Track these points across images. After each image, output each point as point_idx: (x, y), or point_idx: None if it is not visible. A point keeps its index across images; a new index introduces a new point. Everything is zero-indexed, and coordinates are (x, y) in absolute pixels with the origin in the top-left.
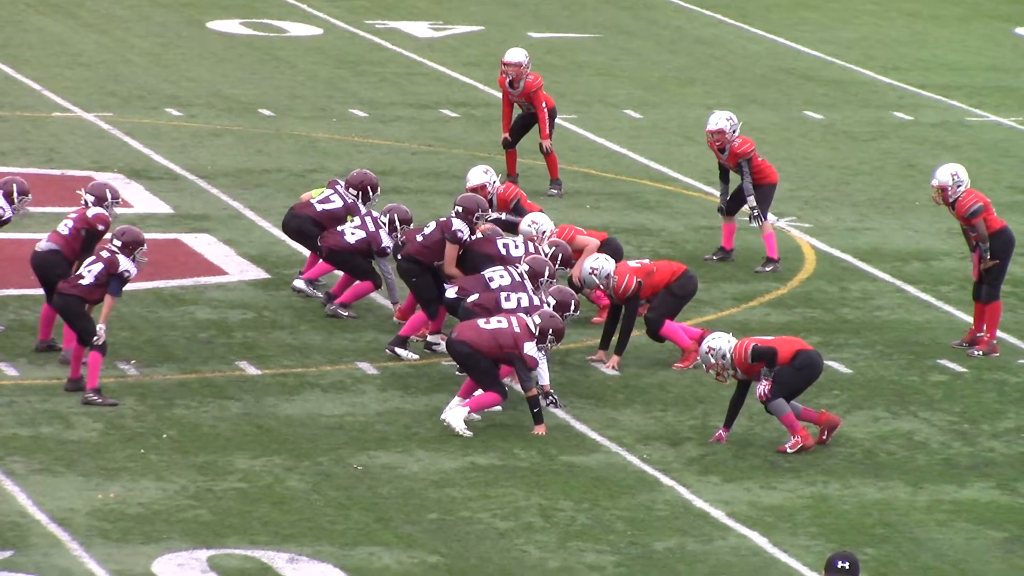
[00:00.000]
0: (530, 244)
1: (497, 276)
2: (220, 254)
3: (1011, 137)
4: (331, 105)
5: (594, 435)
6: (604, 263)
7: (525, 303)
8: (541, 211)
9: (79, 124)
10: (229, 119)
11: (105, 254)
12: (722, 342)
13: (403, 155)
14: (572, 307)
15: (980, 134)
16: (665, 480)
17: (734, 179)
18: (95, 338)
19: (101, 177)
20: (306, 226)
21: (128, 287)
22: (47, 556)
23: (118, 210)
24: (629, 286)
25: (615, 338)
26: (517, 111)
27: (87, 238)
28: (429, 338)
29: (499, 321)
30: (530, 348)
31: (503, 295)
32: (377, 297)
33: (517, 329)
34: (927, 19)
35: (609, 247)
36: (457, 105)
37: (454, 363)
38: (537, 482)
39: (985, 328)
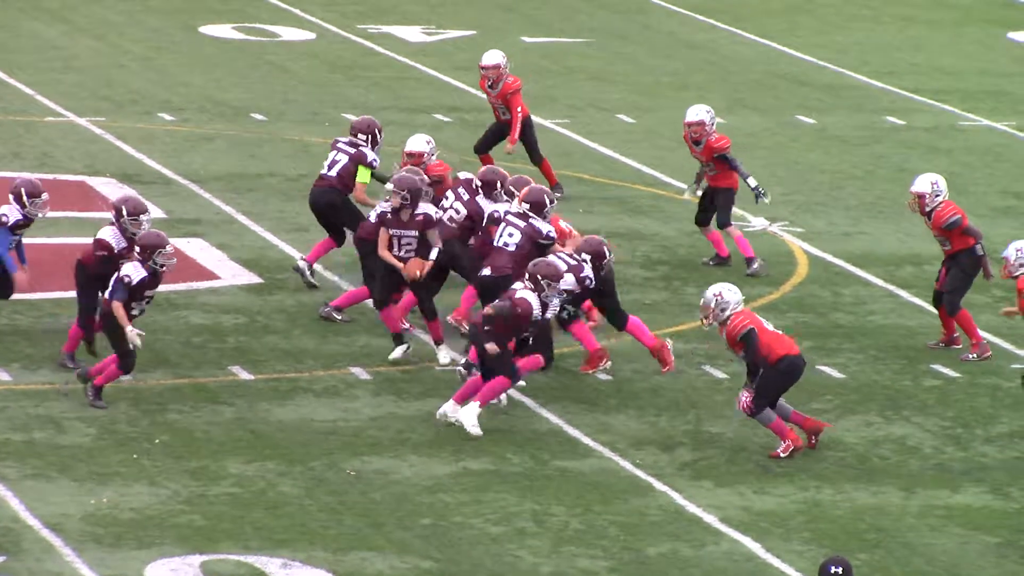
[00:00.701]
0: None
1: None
2: (213, 259)
3: (1004, 142)
4: (323, 109)
5: (587, 440)
6: (733, 295)
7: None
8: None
9: (72, 129)
10: (221, 123)
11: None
12: (732, 297)
13: (397, 159)
14: (607, 254)
15: (973, 139)
16: (658, 485)
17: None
18: (129, 329)
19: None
20: (331, 197)
21: None
22: (40, 562)
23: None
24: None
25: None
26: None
27: (98, 261)
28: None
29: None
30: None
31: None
32: (369, 301)
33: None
34: (921, 24)
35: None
36: (449, 110)
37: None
38: (530, 487)
39: (960, 331)
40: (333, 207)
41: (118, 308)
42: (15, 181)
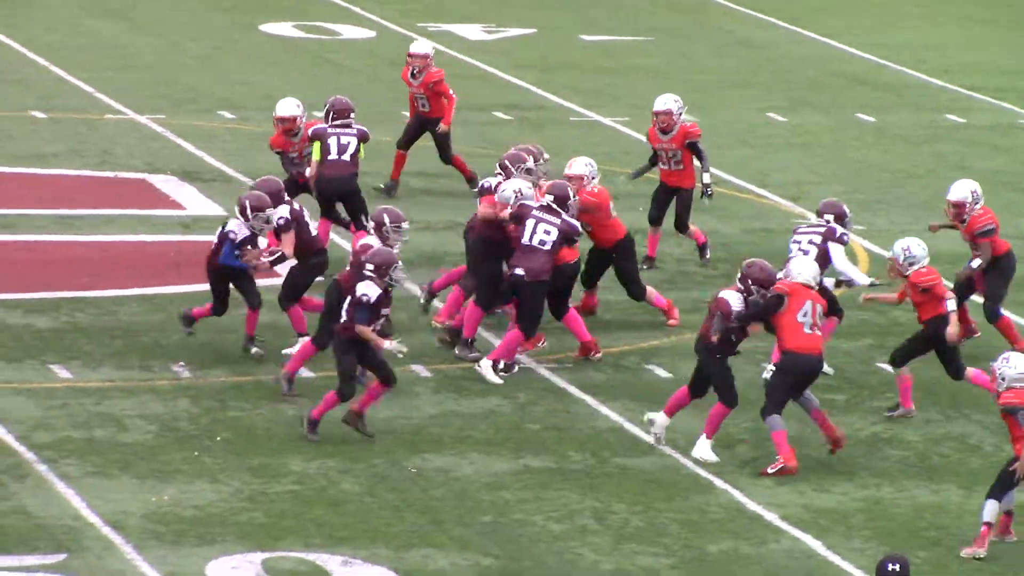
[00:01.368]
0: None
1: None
2: None
3: None
4: (384, 107)
5: (648, 438)
6: (920, 249)
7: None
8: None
9: (132, 126)
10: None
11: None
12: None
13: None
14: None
15: None
16: (718, 483)
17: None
18: (387, 344)
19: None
20: (354, 183)
21: (184, 289)
22: (100, 559)
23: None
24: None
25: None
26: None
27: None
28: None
29: None
30: None
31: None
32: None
33: None
34: (980, 22)
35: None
36: (509, 108)
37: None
38: (591, 484)
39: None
40: (356, 193)
41: (365, 331)
42: (243, 195)
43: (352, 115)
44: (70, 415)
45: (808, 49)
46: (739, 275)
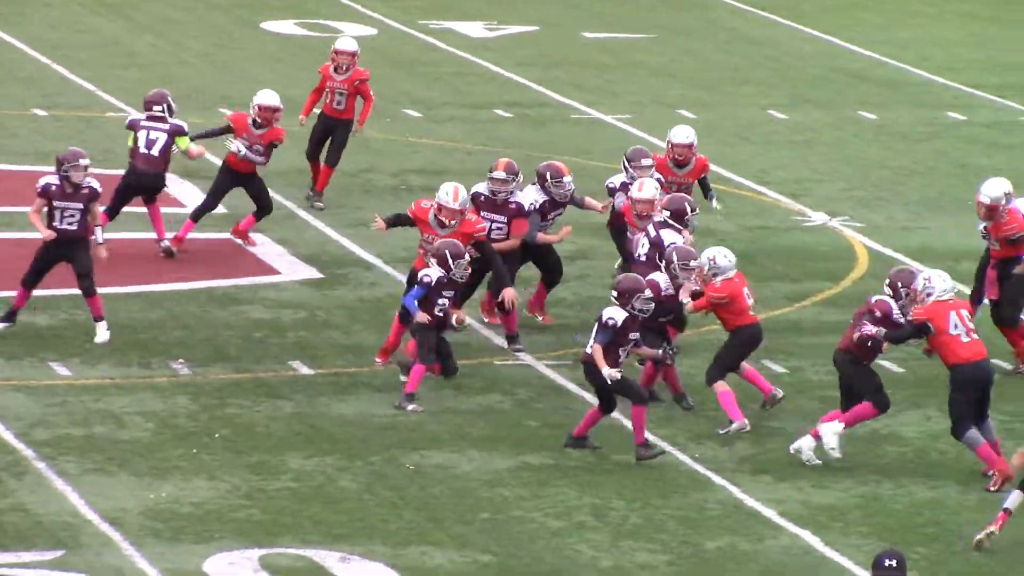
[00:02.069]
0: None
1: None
2: (273, 254)
3: None
4: (385, 105)
5: (647, 434)
6: (726, 260)
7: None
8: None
9: None
10: (283, 119)
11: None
12: (724, 261)
13: (457, 155)
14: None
15: None
16: (717, 479)
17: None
18: (605, 370)
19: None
20: (153, 179)
21: (181, 286)
22: (99, 556)
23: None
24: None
25: None
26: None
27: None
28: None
29: None
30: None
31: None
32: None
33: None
34: (984, 20)
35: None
36: (510, 105)
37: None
38: (589, 481)
39: None
40: (162, 188)
41: (598, 352)
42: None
43: (160, 107)
44: (69, 412)
45: (811, 46)
46: (887, 282)
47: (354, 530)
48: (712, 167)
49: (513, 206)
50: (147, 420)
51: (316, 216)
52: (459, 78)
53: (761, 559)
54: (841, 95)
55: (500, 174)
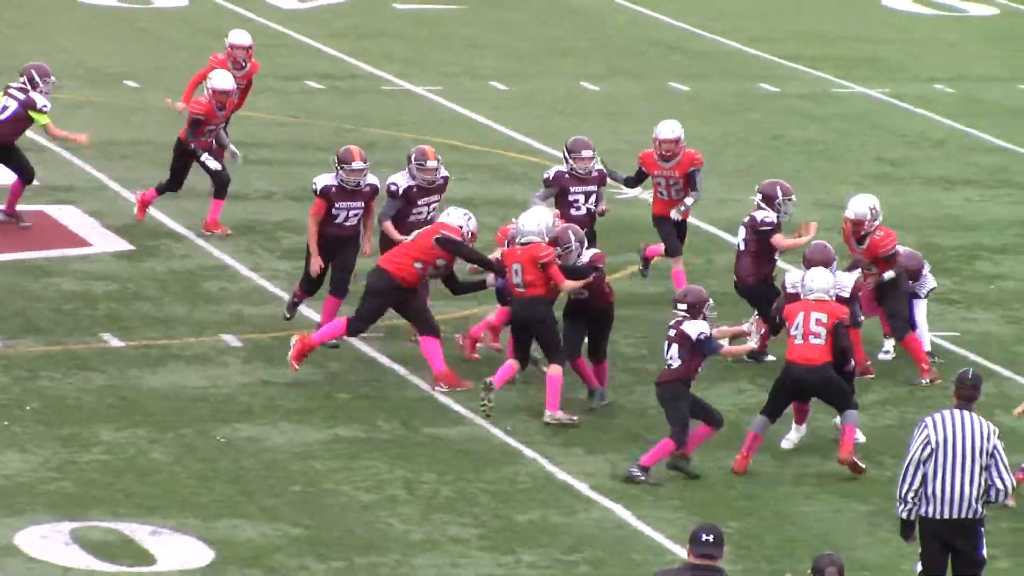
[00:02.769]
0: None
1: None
2: (85, 226)
3: (878, 109)
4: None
5: (458, 408)
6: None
7: None
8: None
9: None
10: (95, 90)
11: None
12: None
13: (271, 127)
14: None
15: (847, 106)
16: (528, 452)
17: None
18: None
19: None
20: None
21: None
22: None
23: None
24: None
25: None
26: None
27: None
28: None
29: None
30: None
31: None
32: (241, 268)
33: None
34: None
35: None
36: (322, 77)
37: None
38: (401, 454)
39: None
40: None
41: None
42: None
43: (27, 79)
44: None
45: (625, 16)
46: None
47: (165, 503)
48: (523, 139)
49: (367, 188)
50: None
51: (127, 188)
52: (271, 49)
53: (572, 532)
54: (653, 66)
55: (358, 164)
